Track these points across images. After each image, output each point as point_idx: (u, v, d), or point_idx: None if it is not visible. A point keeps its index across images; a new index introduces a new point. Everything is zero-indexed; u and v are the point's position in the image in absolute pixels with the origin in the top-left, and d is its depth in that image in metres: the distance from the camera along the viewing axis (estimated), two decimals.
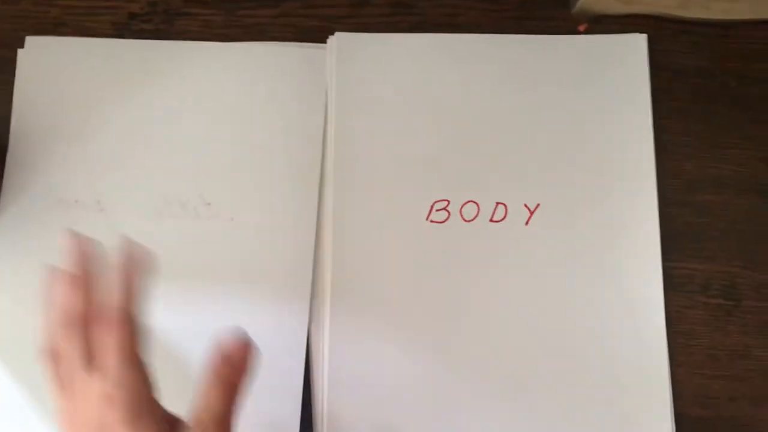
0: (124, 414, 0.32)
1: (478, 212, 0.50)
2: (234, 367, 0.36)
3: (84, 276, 0.36)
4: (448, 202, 0.50)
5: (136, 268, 0.36)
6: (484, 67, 0.51)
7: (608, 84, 0.51)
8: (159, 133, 0.52)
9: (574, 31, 0.52)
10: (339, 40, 0.52)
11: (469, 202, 0.50)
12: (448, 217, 0.49)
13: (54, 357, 0.35)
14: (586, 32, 0.52)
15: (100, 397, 0.33)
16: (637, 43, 0.52)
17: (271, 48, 0.53)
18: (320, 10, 0.53)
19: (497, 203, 0.50)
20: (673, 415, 0.47)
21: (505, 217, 0.49)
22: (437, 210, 0.50)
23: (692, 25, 0.52)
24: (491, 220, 0.49)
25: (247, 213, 0.50)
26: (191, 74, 0.52)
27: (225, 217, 0.50)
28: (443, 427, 0.47)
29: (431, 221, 0.49)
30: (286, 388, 0.48)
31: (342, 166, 0.50)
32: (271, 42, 0.53)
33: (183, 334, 0.48)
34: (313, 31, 0.53)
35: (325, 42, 0.52)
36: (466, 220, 0.49)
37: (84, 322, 0.35)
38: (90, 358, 0.34)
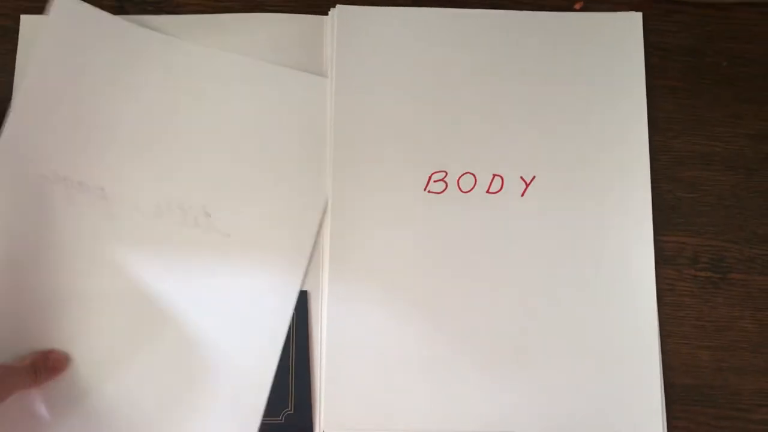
0: None
1: (475, 183, 0.50)
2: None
3: None
4: (446, 173, 0.51)
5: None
6: (483, 41, 0.52)
7: (604, 60, 0.52)
8: (170, 132, 0.51)
9: (571, 10, 0.54)
10: (340, 11, 0.52)
11: (466, 173, 0.51)
12: (445, 188, 0.50)
13: None
14: (582, 10, 0.53)
15: None
16: (633, 20, 0.53)
17: (270, 19, 0.53)
18: None
19: (494, 175, 0.51)
20: (662, 384, 0.49)
21: (501, 188, 0.50)
22: (435, 181, 0.50)
23: (684, 5, 0.54)
24: (488, 192, 0.50)
25: (245, 230, 0.50)
26: (197, 73, 0.52)
27: (223, 231, 0.50)
28: (439, 392, 0.48)
29: (429, 191, 0.50)
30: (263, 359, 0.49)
31: (342, 136, 0.51)
32: (269, 14, 0.53)
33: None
34: (314, 5, 0.54)
35: (325, 15, 0.53)
36: (463, 191, 0.50)
37: None
38: None
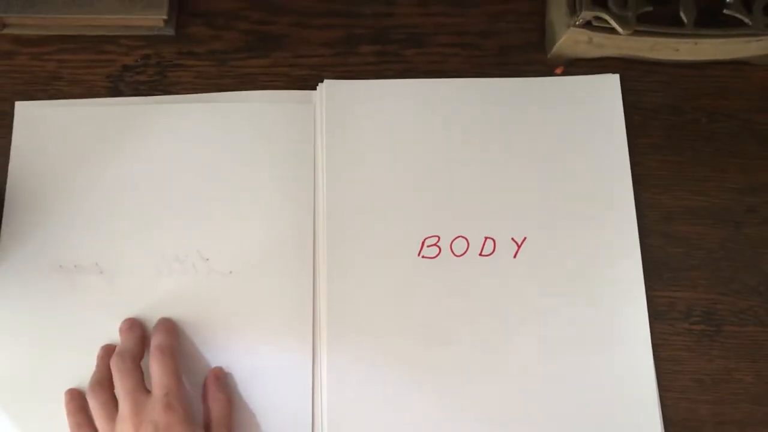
0: (183, 414, 0.44)
1: (467, 247, 0.51)
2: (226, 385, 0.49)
3: (138, 323, 0.50)
4: (439, 238, 0.51)
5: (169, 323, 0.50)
6: (469, 109, 0.54)
7: (585, 121, 0.54)
8: (153, 192, 0.52)
9: (551, 74, 0.55)
10: (328, 86, 0.54)
11: (458, 237, 0.51)
12: (439, 253, 0.51)
13: (102, 387, 0.47)
14: (563, 74, 0.55)
15: (162, 406, 0.44)
16: (610, 82, 0.55)
17: (261, 96, 0.55)
18: (309, 60, 0.56)
19: (486, 237, 0.51)
20: None
21: (494, 251, 0.51)
22: (428, 246, 0.51)
23: (659, 65, 0.55)
24: (481, 255, 0.51)
25: (246, 265, 0.51)
26: (182, 130, 0.54)
27: (224, 271, 0.51)
28: None
29: (423, 257, 0.51)
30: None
31: (334, 207, 0.52)
32: (260, 91, 0.55)
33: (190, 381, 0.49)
34: (303, 79, 0.55)
35: (314, 89, 0.55)
36: (456, 255, 0.51)
37: (137, 359, 0.48)
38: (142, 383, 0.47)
